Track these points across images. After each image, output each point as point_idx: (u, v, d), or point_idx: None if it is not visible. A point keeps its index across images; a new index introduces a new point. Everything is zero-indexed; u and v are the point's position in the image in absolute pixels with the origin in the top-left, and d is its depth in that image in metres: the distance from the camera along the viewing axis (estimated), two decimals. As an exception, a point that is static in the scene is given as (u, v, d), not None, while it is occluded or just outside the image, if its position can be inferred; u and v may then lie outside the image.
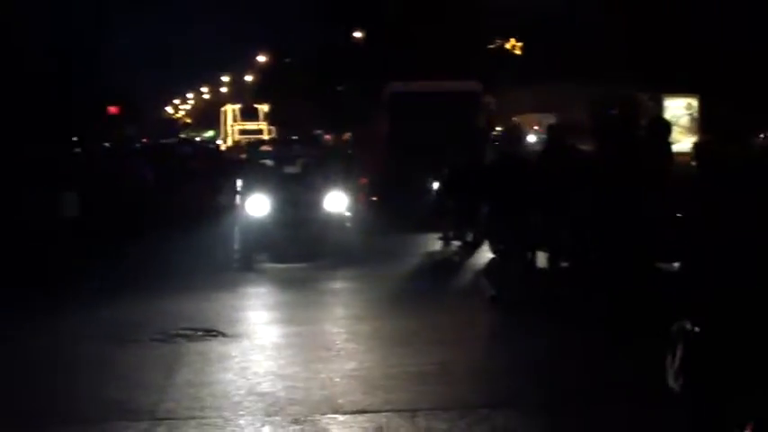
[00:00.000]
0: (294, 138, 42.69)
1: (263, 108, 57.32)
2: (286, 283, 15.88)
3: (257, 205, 18.08)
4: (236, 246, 18.10)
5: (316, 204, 18.07)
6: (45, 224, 17.90)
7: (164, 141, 45.61)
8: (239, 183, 20.10)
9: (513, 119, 30.86)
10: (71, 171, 21.14)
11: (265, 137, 50.36)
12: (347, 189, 19.16)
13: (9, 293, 13.92)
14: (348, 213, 18.63)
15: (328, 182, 18.95)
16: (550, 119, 29.30)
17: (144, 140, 51.05)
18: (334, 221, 18.09)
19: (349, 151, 31.58)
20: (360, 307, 13.54)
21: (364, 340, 11.31)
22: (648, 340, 9.12)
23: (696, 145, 7.90)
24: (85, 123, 54.70)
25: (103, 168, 23.04)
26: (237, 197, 19.48)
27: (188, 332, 11.64)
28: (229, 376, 9.71)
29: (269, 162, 21.89)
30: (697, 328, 7.20)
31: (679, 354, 7.30)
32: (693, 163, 7.83)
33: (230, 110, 57.61)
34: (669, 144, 11.74)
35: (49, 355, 10.65)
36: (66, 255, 16.71)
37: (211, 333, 11.63)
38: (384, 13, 43.67)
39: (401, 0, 42.95)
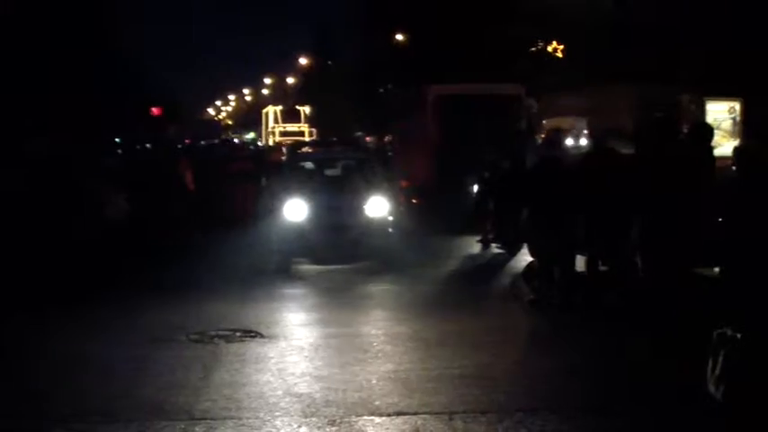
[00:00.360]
0: (334, 140, 42.68)
1: (305, 110, 57.36)
2: (324, 285, 15.87)
3: (296, 210, 17.72)
4: (275, 250, 17.80)
5: (356, 209, 17.66)
6: (90, 225, 18.08)
7: (203, 142, 45.78)
8: (278, 186, 19.71)
9: (543, 122, 30.64)
10: (118, 172, 21.32)
11: (306, 139, 50.37)
12: (388, 192, 18.72)
13: (51, 294, 13.99)
14: (390, 218, 18.13)
15: (369, 185, 18.48)
16: (582, 123, 29.15)
17: (187, 141, 51.33)
18: (375, 227, 17.66)
19: (389, 153, 31.60)
20: (398, 309, 13.51)
21: (402, 342, 11.28)
22: (688, 345, 9.10)
23: (737, 150, 7.82)
24: (128, 124, 55.40)
25: (146, 170, 23.12)
26: (277, 201, 18.81)
27: (226, 333, 11.69)
28: (266, 377, 9.72)
29: (309, 165, 21.39)
30: (739, 335, 7.14)
31: (720, 361, 7.24)
32: (734, 167, 7.76)
33: (272, 111, 57.62)
34: (711, 149, 11.63)
35: (89, 355, 10.70)
36: (110, 256, 16.78)
37: (249, 334, 11.67)
38: (427, 15, 43.62)
39: (444, 2, 42.86)
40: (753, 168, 7.46)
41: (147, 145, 39.54)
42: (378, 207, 17.82)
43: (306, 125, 55.84)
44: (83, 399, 9.04)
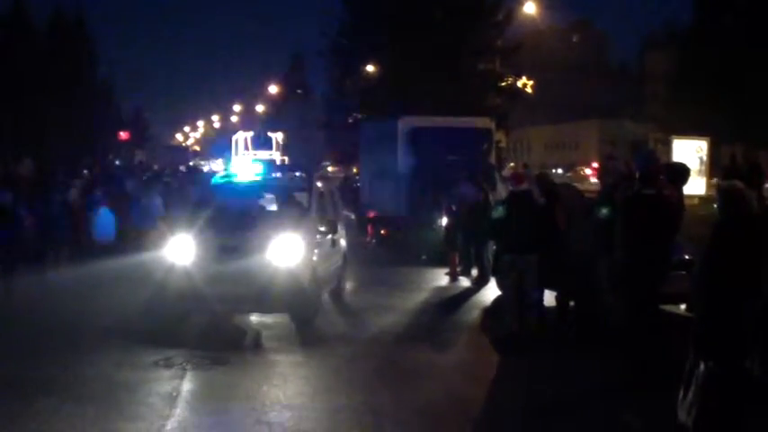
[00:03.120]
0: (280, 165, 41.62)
1: (278, 137, 55.68)
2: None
3: (180, 248, 13.98)
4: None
5: (256, 250, 13.73)
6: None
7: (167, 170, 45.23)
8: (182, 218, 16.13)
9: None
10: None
11: (279, 168, 49.13)
12: (312, 230, 14.75)
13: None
14: (301, 264, 13.85)
15: (287, 221, 14.51)
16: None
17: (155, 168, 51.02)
18: (280, 272, 13.61)
19: (357, 184, 31.67)
20: (366, 341, 13.39)
21: (371, 372, 11.30)
22: (658, 377, 9.25)
23: (723, 189, 7.92)
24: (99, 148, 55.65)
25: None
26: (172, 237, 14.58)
27: (194, 359, 11.63)
28: (235, 405, 9.73)
29: (227, 194, 16.61)
30: (711, 364, 7.31)
31: (693, 389, 7.40)
32: (715, 205, 7.91)
33: (242, 138, 55.70)
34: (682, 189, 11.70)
35: (57, 375, 10.68)
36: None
37: (218, 361, 11.61)
38: (400, 47, 43.84)
39: (416, 36, 43.13)
40: (738, 208, 7.59)
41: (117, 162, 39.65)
42: (286, 249, 13.82)
43: (278, 153, 54.19)
44: (50, 419, 9.09)
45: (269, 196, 17.28)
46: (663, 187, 10.98)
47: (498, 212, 13.79)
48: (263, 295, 13.43)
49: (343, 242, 17.07)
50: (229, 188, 17.02)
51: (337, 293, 16.30)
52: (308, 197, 15.79)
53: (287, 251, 13.76)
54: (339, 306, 15.96)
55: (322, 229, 15.04)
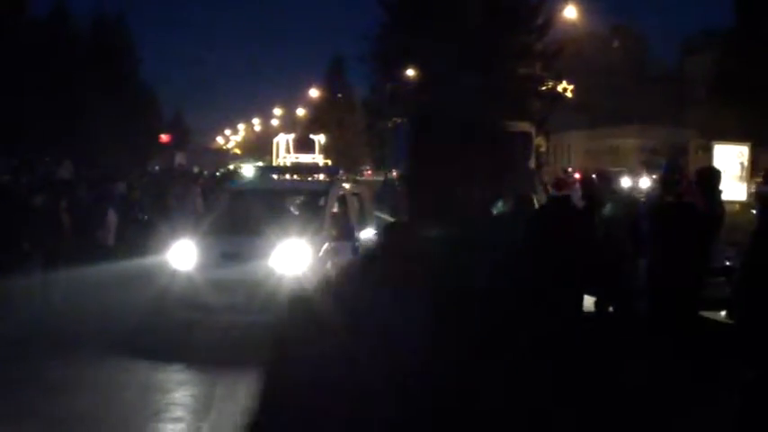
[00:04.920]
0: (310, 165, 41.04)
1: (320, 139, 54.69)
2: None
3: (181, 254, 13.46)
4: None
5: (258, 257, 13.01)
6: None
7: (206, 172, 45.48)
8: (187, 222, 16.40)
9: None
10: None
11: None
12: (323, 237, 13.77)
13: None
14: (307, 273, 12.71)
15: (295, 228, 13.82)
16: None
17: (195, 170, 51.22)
18: (284, 282, 12.60)
19: (398, 188, 31.64)
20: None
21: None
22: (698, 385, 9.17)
23: (761, 195, 7.86)
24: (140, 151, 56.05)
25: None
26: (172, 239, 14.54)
27: (230, 362, 11.58)
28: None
29: (241, 197, 16.02)
30: (755, 373, 7.26)
31: (738, 401, 7.35)
32: (753, 211, 7.84)
33: (283, 140, 54.74)
34: (719, 192, 11.54)
35: (93, 379, 10.73)
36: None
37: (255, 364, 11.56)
38: (440, 51, 43.70)
39: (455, 39, 42.98)
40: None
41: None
42: (291, 255, 13.02)
43: (321, 156, 53.00)
44: (85, 420, 9.18)
45: (288, 200, 16.65)
46: (684, 194, 10.90)
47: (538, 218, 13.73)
48: (264, 305, 12.38)
49: None
50: (246, 192, 16.50)
51: None
52: (324, 201, 14.92)
53: (292, 258, 12.96)
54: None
55: (335, 234, 14.04)
